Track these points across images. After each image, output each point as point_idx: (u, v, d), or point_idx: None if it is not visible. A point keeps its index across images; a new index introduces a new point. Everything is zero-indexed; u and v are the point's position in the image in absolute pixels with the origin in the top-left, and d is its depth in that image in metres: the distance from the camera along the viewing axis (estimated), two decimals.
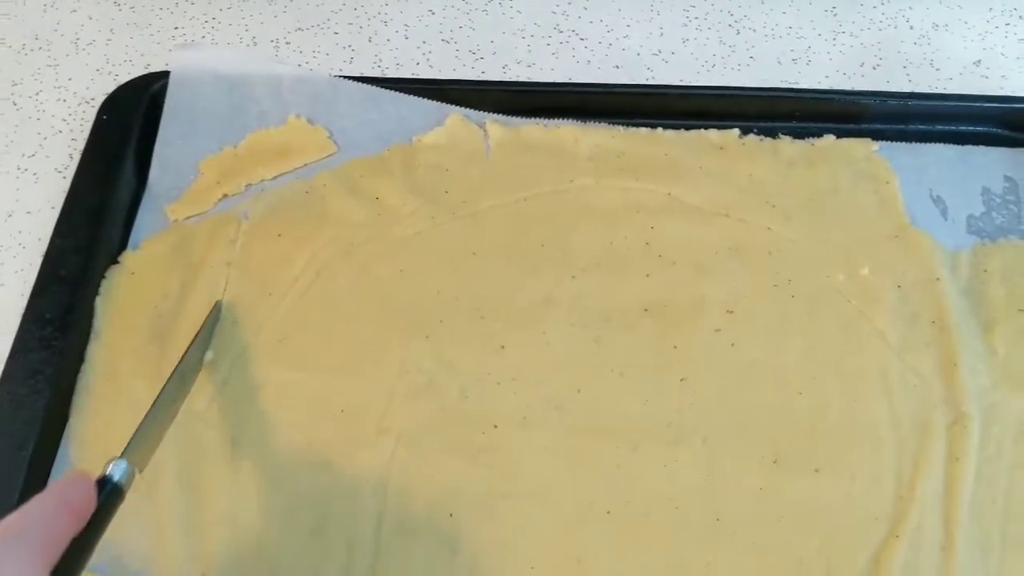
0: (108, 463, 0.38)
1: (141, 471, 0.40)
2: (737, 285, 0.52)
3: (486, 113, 0.57)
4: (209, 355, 0.49)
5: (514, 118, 0.57)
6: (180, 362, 0.46)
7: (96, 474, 0.37)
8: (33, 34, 0.63)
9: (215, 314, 0.50)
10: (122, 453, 0.39)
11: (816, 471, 0.46)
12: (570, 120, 0.57)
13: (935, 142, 0.57)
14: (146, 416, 0.42)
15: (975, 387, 0.49)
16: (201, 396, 0.47)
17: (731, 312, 0.51)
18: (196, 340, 0.47)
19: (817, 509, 0.45)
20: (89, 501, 0.34)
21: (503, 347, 0.50)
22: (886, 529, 0.45)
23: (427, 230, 0.53)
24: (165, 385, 0.44)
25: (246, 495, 0.45)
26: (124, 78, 0.58)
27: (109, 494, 0.37)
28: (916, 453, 0.47)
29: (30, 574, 0.30)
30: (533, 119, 0.57)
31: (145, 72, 0.58)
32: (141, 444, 0.41)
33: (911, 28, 0.63)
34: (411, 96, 0.57)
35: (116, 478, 0.37)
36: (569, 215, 0.54)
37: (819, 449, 0.47)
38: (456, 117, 0.57)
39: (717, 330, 0.50)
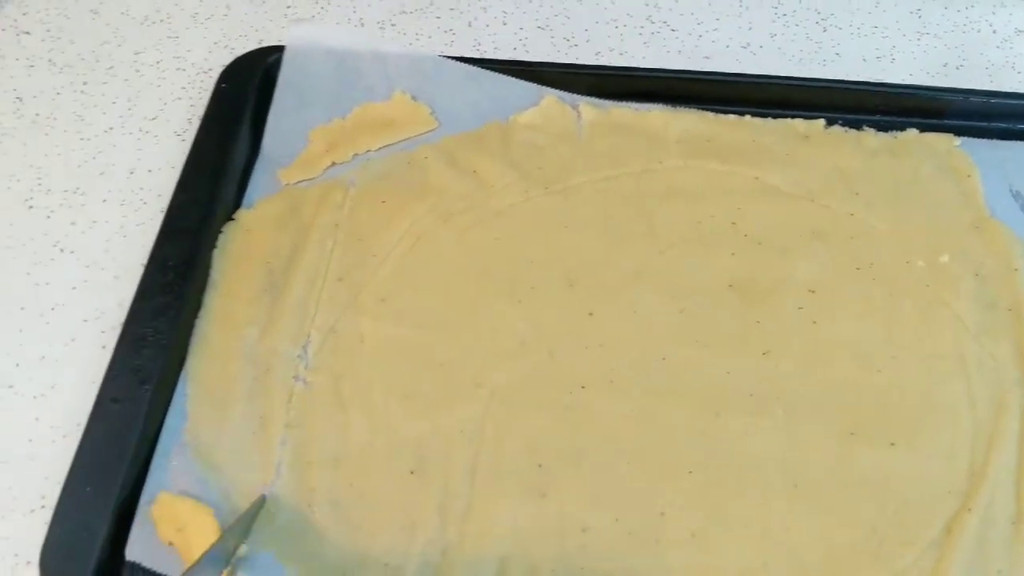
0: None
1: None
2: (820, 266, 0.54)
3: (579, 96, 0.60)
4: (244, 549, 0.45)
5: (606, 101, 0.60)
6: (207, 551, 0.42)
7: None
8: (155, 7, 0.67)
9: (257, 507, 0.46)
10: None
11: (892, 445, 0.48)
12: (660, 105, 0.59)
13: (1016, 140, 0.58)
14: None
15: None
16: (309, 342, 0.51)
17: (813, 292, 0.53)
18: (231, 529, 0.44)
19: (892, 480, 0.47)
20: None
21: (591, 314, 0.52)
22: (959, 503, 0.46)
23: (521, 203, 0.56)
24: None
25: (349, 437, 0.48)
26: (239, 51, 0.62)
27: None
28: (991, 431, 0.48)
29: None
30: (624, 103, 0.60)
31: (259, 46, 0.62)
32: None
33: (994, 32, 0.65)
34: (509, 77, 0.60)
35: None
36: (657, 194, 0.57)
37: (896, 424, 0.49)
38: (551, 98, 0.60)
39: (799, 308, 0.52)
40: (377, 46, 0.60)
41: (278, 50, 0.60)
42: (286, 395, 0.49)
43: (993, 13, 0.66)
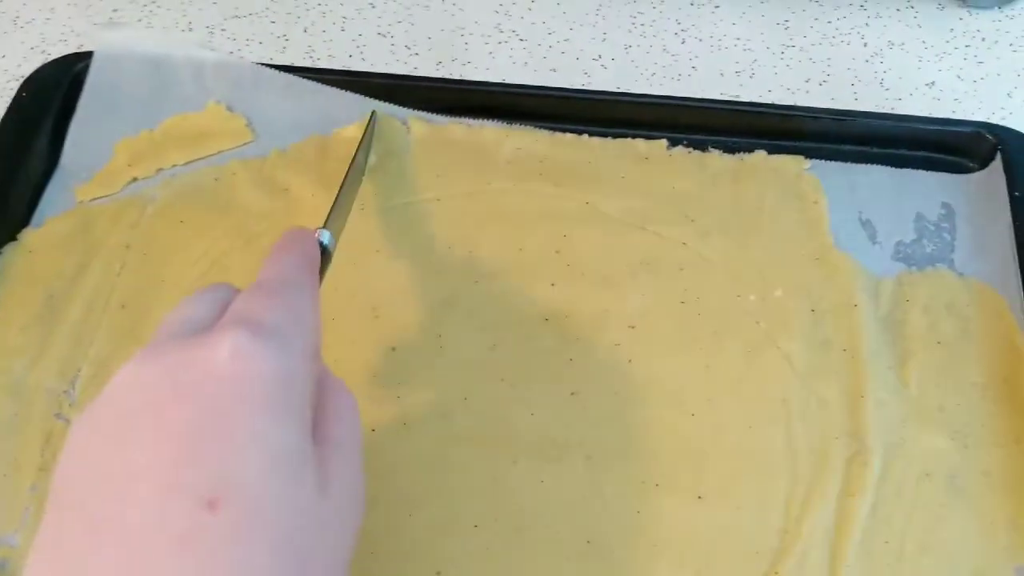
0: (315, 231, 0.41)
1: (337, 241, 0.44)
2: (643, 300, 0.50)
3: (410, 110, 0.56)
4: (372, 159, 0.54)
5: (438, 116, 0.56)
6: (351, 163, 0.50)
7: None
8: None
9: (372, 124, 0.54)
10: (324, 224, 0.43)
11: (699, 498, 0.44)
12: (495, 121, 0.55)
13: (873, 164, 0.54)
14: (338, 196, 0.46)
15: (882, 421, 0.46)
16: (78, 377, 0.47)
17: (633, 327, 0.49)
18: (361, 145, 0.52)
19: (695, 538, 0.43)
20: (318, 257, 0.39)
21: (394, 349, 0.48)
22: (767, 564, 0.43)
23: None
24: (345, 178, 0.48)
25: None
26: (55, 57, 0.58)
27: (324, 255, 0.41)
28: (809, 485, 0.44)
29: (316, 310, 0.35)
30: (458, 118, 0.56)
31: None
32: (336, 220, 0.45)
33: (865, 45, 0.61)
34: (333, 88, 0.56)
35: (325, 242, 0.41)
36: (481, 218, 0.53)
37: (706, 474, 0.45)
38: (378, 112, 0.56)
39: (616, 345, 0.48)
40: (195, 53, 0.56)
41: (89, 56, 0.56)
42: (44, 435, 0.45)
43: (866, 24, 0.62)
